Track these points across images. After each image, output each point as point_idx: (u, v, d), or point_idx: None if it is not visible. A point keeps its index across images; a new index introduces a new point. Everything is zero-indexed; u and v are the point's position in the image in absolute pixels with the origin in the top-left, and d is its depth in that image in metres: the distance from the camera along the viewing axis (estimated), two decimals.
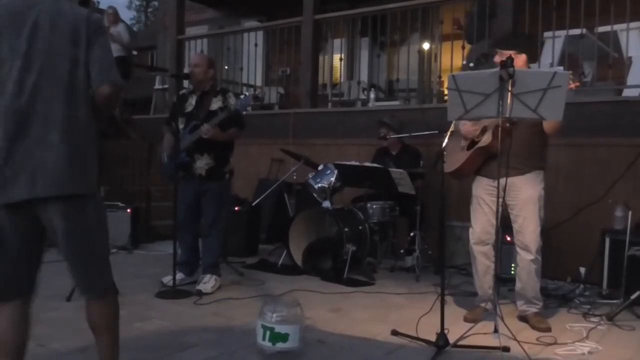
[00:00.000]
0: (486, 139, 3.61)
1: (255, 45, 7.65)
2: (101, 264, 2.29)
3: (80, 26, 2.16)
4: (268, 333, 2.97)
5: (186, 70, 5.89)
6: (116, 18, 8.79)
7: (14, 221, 2.14)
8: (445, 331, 3.14)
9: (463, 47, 6.10)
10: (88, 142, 2.19)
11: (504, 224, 3.77)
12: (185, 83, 6.14)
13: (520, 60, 3.48)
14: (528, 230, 3.61)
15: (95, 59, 2.17)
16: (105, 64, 2.19)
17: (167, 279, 4.38)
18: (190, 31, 9.00)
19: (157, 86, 9.98)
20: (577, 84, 3.36)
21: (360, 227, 5.12)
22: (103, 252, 2.31)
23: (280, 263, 5.25)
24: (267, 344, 2.98)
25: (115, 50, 7.12)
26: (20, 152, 2.09)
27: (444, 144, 3.37)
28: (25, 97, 2.10)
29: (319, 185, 5.27)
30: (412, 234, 5.26)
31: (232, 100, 4.46)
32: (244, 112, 4.46)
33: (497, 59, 3.47)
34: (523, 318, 3.74)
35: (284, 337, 2.96)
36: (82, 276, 2.27)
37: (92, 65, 2.16)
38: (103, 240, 2.31)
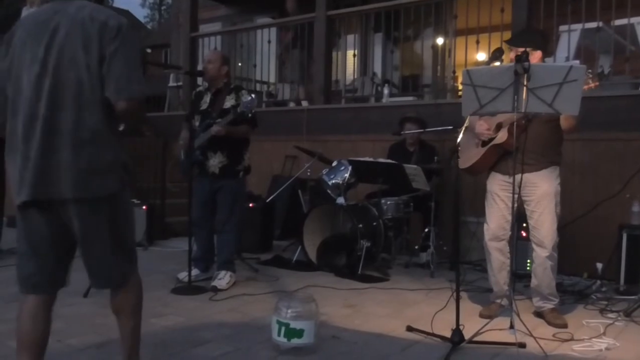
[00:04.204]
0: (502, 136, 3.58)
1: (269, 41, 7.65)
2: (119, 259, 2.29)
3: (93, 32, 2.12)
4: (283, 329, 2.98)
5: (200, 67, 5.91)
6: None
7: (45, 219, 2.19)
8: (461, 327, 3.13)
9: (477, 42, 6.06)
10: (101, 147, 2.16)
11: (519, 220, 3.75)
12: (200, 80, 6.16)
13: (535, 57, 3.45)
14: (544, 226, 3.58)
15: (113, 72, 2.11)
16: (123, 78, 2.12)
17: (183, 275, 4.41)
18: (204, 28, 9.03)
19: (171, 84, 10.01)
20: (597, 83, 3.30)
21: (374, 223, 5.11)
22: (123, 248, 2.31)
23: (294, 259, 5.27)
24: (282, 339, 2.99)
25: None
26: (36, 155, 2.12)
27: (458, 140, 3.35)
28: (41, 103, 2.12)
29: (333, 181, 5.26)
30: (426, 230, 5.24)
31: (244, 99, 4.44)
32: (250, 115, 4.39)
33: (512, 55, 3.44)
34: (539, 314, 3.72)
35: (299, 333, 2.97)
36: (97, 273, 2.30)
37: (109, 78, 2.12)
38: (123, 237, 2.31)
